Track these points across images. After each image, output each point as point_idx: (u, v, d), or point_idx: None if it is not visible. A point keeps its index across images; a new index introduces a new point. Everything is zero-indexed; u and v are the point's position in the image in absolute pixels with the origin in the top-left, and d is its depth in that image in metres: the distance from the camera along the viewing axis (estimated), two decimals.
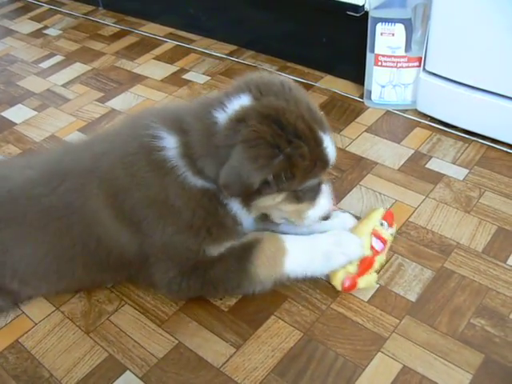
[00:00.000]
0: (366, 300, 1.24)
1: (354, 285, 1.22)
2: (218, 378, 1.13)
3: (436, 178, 1.54)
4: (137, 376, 1.15)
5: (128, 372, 1.16)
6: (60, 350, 1.21)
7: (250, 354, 1.16)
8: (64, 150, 1.37)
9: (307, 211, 1.20)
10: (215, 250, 1.19)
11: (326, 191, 1.22)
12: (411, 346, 1.15)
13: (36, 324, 1.27)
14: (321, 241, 1.22)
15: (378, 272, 1.26)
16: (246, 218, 1.22)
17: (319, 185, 1.20)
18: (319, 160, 1.12)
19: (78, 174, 1.21)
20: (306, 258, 1.21)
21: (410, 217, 1.43)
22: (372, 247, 1.24)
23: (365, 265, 1.22)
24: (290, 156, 1.06)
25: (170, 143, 1.15)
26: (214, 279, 1.20)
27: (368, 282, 1.23)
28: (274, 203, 1.16)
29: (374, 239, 1.25)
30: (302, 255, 1.20)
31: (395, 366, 1.12)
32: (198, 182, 1.14)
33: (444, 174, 1.55)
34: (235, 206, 1.18)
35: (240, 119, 1.07)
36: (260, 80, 1.15)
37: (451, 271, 1.29)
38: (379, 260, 1.25)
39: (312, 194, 1.19)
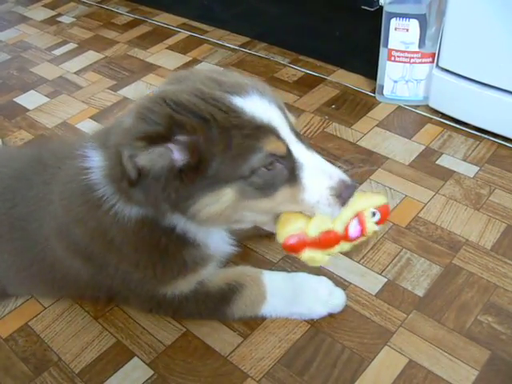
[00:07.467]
0: (373, 294, 1.25)
1: (298, 248, 1.01)
2: (224, 366, 1.14)
3: (446, 174, 1.54)
4: (144, 362, 1.16)
5: (136, 358, 1.17)
6: (69, 334, 1.23)
7: (257, 344, 1.17)
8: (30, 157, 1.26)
9: (299, 196, 0.94)
10: (176, 289, 1.14)
11: (315, 163, 0.94)
12: (418, 341, 1.15)
13: (45, 308, 1.28)
14: (306, 294, 1.19)
15: (329, 255, 1.04)
16: (214, 236, 1.11)
17: (283, 161, 0.92)
18: (237, 128, 0.88)
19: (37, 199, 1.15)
20: (284, 308, 1.19)
21: (419, 212, 1.43)
22: (346, 229, 1.01)
23: (326, 239, 1.00)
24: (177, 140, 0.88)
25: (94, 162, 1.03)
26: (189, 314, 1.21)
27: (313, 259, 1.02)
28: (224, 205, 0.93)
29: (354, 222, 1.01)
30: (280, 305, 1.19)
31: (401, 359, 1.12)
32: (132, 210, 1.01)
33: (454, 171, 1.55)
34: (184, 225, 1.02)
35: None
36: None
37: (459, 268, 1.29)
38: (343, 247, 1.03)
39: (284, 176, 0.93)
